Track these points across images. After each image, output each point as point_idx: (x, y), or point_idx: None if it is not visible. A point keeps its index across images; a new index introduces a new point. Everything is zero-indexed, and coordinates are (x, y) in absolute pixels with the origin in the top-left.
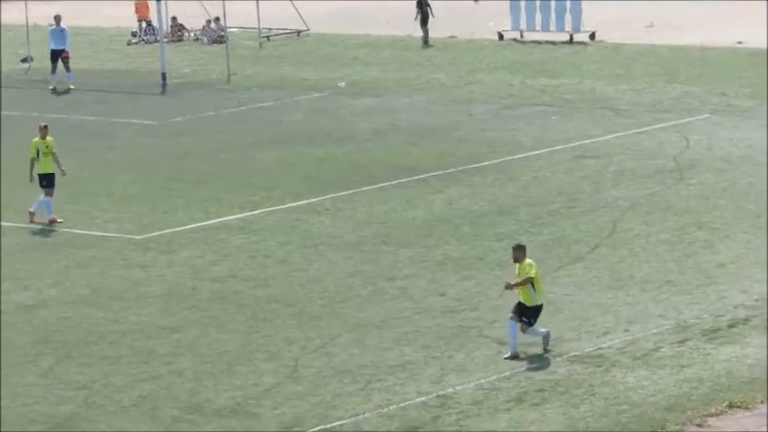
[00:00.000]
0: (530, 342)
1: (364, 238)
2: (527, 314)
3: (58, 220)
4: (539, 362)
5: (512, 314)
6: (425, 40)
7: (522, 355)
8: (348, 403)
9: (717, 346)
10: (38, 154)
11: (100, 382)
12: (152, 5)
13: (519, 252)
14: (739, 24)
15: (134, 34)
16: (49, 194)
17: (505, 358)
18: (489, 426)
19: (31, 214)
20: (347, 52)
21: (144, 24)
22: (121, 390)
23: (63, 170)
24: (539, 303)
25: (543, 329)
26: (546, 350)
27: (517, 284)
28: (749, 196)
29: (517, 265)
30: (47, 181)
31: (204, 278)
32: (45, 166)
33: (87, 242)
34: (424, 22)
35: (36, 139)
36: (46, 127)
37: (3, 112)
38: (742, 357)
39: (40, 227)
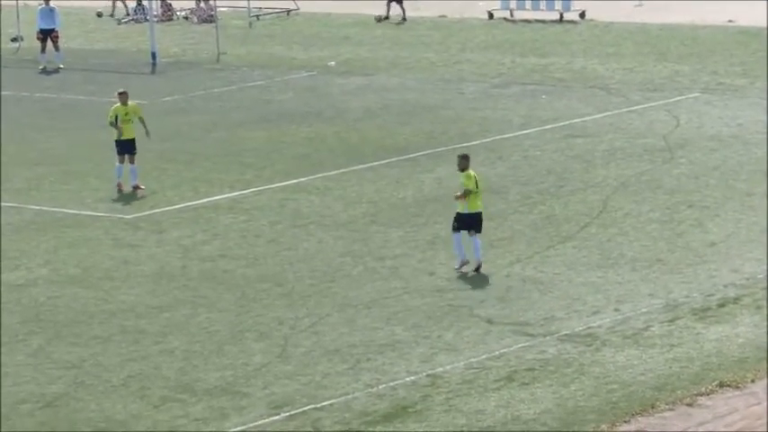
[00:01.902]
0: (520, 321)
1: (354, 217)
2: (475, 222)
3: (141, 187)
4: (529, 341)
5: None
6: (397, 18)
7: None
8: (338, 383)
9: (707, 326)
10: (116, 120)
11: (89, 362)
12: None
13: (464, 162)
14: (730, 2)
15: (99, 15)
16: (130, 161)
17: (456, 269)
18: (479, 405)
19: (119, 184)
20: (337, 31)
21: (127, 5)
22: (111, 369)
23: (147, 132)
24: (464, 212)
25: (477, 254)
26: (469, 267)
27: (459, 197)
28: (739, 175)
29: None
30: (121, 147)
31: (194, 258)
32: (124, 133)
33: (77, 221)
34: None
35: (116, 105)
36: (124, 93)
37: None
38: (732, 336)
39: (32, 207)
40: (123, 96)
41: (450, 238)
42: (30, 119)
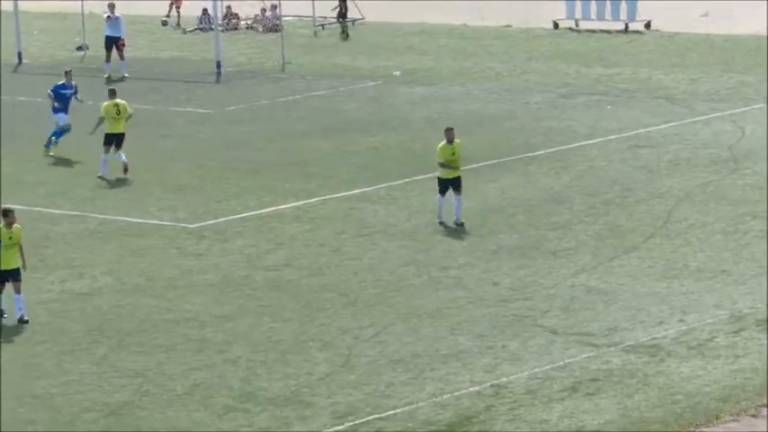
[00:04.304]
0: (584, 331)
1: (418, 227)
2: (455, 184)
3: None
4: (593, 351)
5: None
6: (346, 33)
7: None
8: (401, 392)
9: None
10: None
11: (153, 371)
12: None
13: (450, 133)
14: None
15: (164, 23)
16: (108, 151)
17: (439, 222)
18: (543, 415)
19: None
20: (402, 41)
21: (180, 13)
22: (175, 378)
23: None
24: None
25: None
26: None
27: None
28: None
29: (450, 145)
30: (108, 139)
31: (258, 267)
32: (111, 127)
33: (142, 231)
34: (342, 16)
35: (106, 103)
36: (111, 91)
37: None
38: None
39: (96, 216)
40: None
41: (509, 249)
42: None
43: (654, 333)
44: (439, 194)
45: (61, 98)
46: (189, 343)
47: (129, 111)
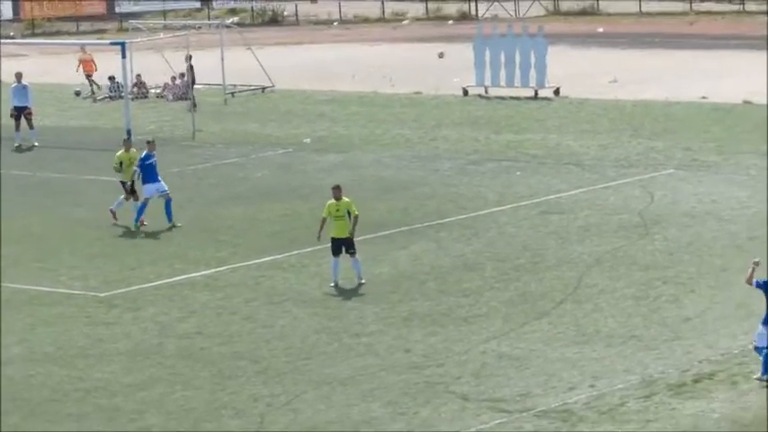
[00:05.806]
0: (496, 397)
1: (329, 294)
2: (347, 245)
3: (114, 214)
4: (505, 417)
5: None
6: (193, 103)
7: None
8: None
9: (682, 401)
10: (121, 165)
11: None
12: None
13: (337, 191)
14: (703, 79)
15: (77, 93)
16: (128, 198)
17: (332, 285)
18: None
19: (112, 213)
20: (312, 108)
21: (90, 81)
22: None
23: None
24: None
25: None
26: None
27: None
28: (714, 251)
29: (336, 202)
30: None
31: (170, 335)
32: (127, 175)
33: (52, 299)
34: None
35: (120, 152)
36: (127, 140)
37: None
38: (708, 412)
39: (7, 285)
40: (127, 143)
41: (420, 316)
42: (5, 197)
43: (565, 398)
44: (332, 255)
45: (147, 170)
46: (100, 412)
47: (133, 163)
